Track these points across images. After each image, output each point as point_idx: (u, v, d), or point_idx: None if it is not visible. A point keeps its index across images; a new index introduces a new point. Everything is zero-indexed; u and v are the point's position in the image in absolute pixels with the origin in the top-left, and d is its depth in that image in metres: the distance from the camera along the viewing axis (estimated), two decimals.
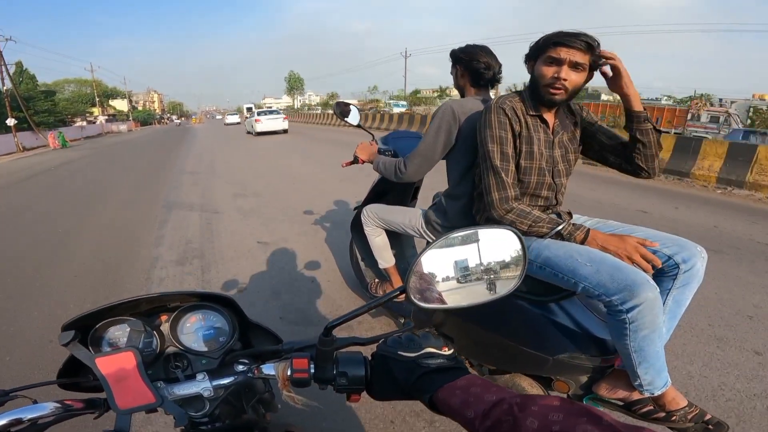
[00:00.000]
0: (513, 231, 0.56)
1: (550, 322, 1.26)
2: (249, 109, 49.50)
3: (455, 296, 0.56)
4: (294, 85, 74.57)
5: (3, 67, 22.09)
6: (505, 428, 0.38)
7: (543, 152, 1.34)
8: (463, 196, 1.58)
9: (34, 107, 27.76)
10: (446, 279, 0.55)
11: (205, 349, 0.69)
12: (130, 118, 55.78)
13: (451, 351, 0.54)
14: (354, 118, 2.08)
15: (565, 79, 1.22)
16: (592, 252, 1.17)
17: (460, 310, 0.57)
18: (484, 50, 1.64)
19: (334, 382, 0.56)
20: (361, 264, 2.37)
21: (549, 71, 1.23)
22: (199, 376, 0.65)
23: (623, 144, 1.39)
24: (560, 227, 1.24)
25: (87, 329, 0.64)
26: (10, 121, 19.89)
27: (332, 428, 1.63)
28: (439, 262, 0.55)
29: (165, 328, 0.69)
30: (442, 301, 0.56)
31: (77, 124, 40.60)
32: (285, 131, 19.11)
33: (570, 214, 1.46)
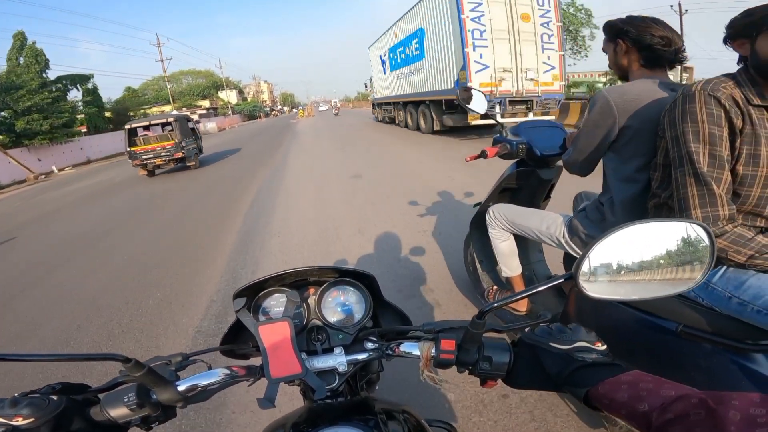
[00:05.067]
0: (704, 227, 0.50)
1: (749, 374, 0.99)
2: (334, 102, 68.30)
3: (626, 289, 0.52)
4: None
5: None
6: (692, 421, 0.36)
7: None
8: (627, 202, 1.29)
9: (14, 105, 16.79)
10: (617, 271, 0.51)
11: (342, 324, 0.71)
12: (230, 112, 46.44)
13: (605, 347, 0.51)
14: (479, 104, 1.79)
15: None
16: None
17: (631, 303, 0.50)
18: (657, 22, 1.30)
19: (476, 366, 0.56)
20: (478, 267, 2.16)
21: None
22: (337, 350, 0.66)
23: None
24: None
25: (250, 298, 0.69)
26: None
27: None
28: (610, 253, 0.51)
29: (312, 301, 0.72)
30: (612, 293, 0.52)
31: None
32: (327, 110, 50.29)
33: None
